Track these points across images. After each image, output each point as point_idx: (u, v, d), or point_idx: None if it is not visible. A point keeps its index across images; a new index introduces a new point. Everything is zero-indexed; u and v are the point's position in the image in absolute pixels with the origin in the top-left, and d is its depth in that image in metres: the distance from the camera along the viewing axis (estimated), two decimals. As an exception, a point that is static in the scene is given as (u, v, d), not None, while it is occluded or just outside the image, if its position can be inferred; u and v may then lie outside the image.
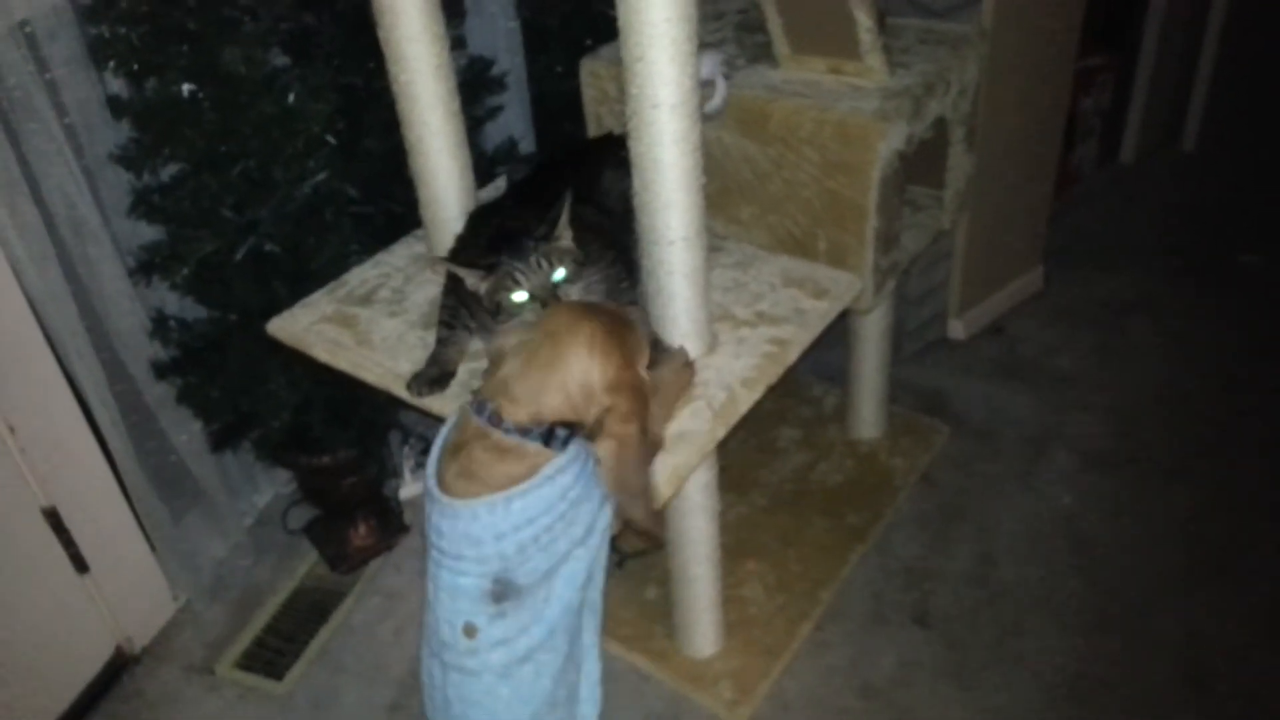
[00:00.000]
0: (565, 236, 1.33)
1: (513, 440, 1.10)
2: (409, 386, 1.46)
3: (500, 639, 1.14)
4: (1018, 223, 2.47)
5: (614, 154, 1.55)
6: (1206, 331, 2.49)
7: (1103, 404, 2.29)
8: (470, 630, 1.13)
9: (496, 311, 1.34)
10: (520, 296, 1.31)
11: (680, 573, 1.68)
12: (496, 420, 1.11)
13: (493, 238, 1.37)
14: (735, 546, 1.95)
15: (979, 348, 2.49)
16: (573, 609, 1.18)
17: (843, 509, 2.05)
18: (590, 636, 1.23)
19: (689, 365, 1.37)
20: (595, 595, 1.22)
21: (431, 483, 1.14)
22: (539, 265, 1.31)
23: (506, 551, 1.10)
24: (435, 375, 1.45)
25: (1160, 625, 1.80)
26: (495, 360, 1.18)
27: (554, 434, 1.11)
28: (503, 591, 1.12)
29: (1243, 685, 1.70)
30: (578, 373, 1.11)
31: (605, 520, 1.19)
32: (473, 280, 1.34)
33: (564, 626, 1.17)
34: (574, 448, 1.12)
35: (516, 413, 1.11)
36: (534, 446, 1.10)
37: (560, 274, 1.32)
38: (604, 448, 1.11)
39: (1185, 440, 2.18)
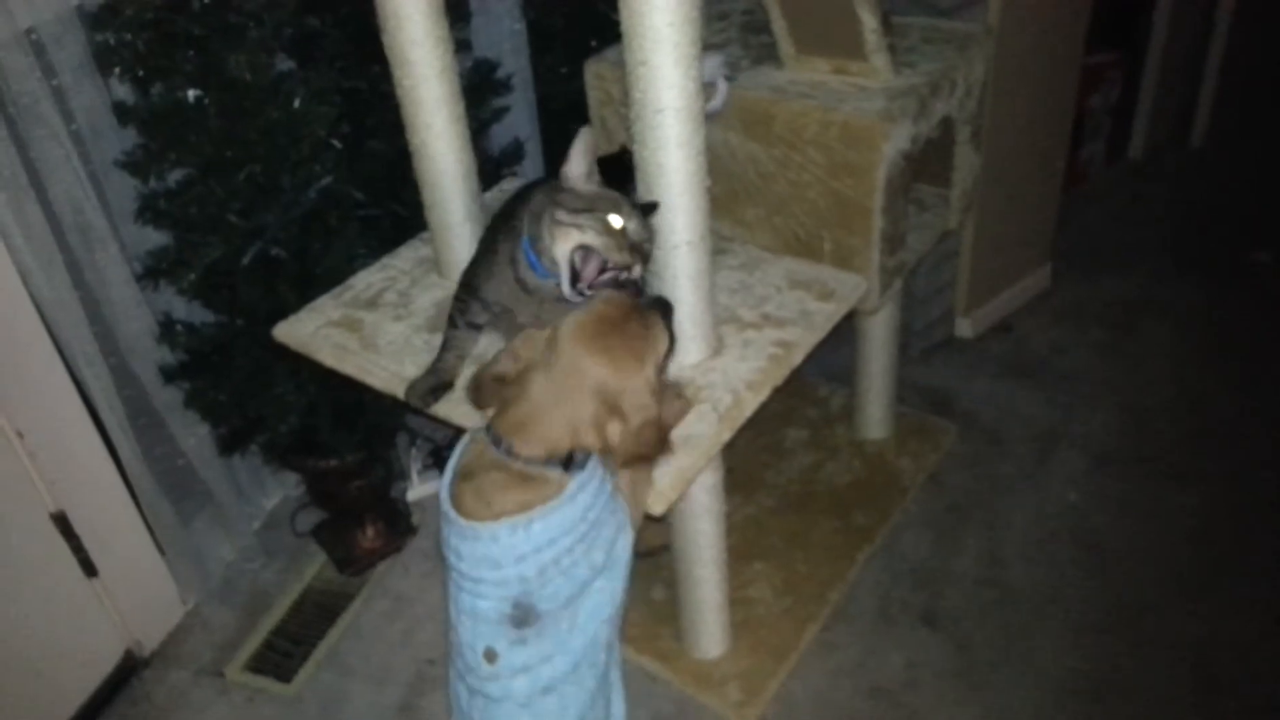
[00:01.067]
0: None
1: (533, 470, 1.09)
2: (406, 395, 1.46)
3: (522, 666, 1.13)
4: (1025, 221, 2.46)
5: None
6: (1216, 329, 2.48)
7: (1112, 403, 2.28)
8: (490, 655, 1.13)
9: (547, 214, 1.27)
10: (617, 221, 1.25)
11: (687, 574, 1.68)
12: (514, 454, 1.09)
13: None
14: (742, 548, 1.94)
15: (987, 347, 2.48)
16: (598, 644, 1.17)
17: (850, 510, 2.04)
18: (616, 672, 1.23)
19: (683, 399, 1.37)
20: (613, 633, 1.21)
21: (447, 505, 1.13)
22: (644, 220, 1.28)
23: (526, 574, 1.09)
24: (433, 384, 1.44)
25: (1170, 626, 1.79)
26: (503, 374, 1.15)
27: (573, 459, 1.09)
28: (523, 616, 1.11)
29: (1253, 687, 1.69)
30: (591, 409, 1.08)
31: (625, 548, 1.18)
32: (579, 164, 1.27)
33: (589, 661, 1.16)
34: (592, 464, 1.11)
35: (534, 448, 1.09)
36: (554, 473, 1.09)
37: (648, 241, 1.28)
38: (625, 479, 1.11)
39: (1195, 440, 2.17)
